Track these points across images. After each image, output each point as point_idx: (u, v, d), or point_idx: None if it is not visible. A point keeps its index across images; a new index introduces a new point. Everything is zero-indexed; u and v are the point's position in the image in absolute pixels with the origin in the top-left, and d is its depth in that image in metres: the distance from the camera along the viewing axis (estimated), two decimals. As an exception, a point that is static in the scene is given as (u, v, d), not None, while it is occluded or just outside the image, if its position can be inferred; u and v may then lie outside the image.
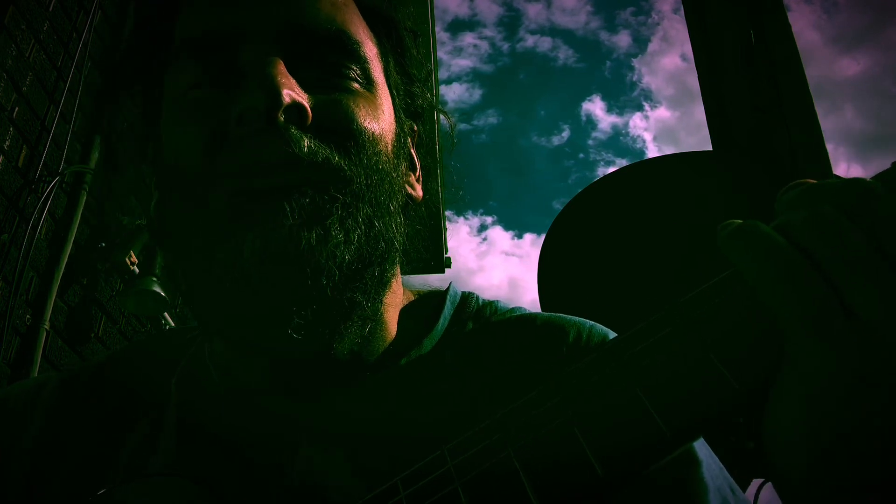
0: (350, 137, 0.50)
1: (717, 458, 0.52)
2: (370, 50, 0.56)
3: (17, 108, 2.11)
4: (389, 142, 0.54)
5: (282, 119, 0.47)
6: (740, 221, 0.33)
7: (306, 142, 0.48)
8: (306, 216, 0.46)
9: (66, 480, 0.54)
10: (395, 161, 0.55)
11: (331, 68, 0.52)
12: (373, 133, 0.52)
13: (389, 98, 0.57)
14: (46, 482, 0.55)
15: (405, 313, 0.61)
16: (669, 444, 0.31)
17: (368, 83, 0.54)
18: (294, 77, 0.49)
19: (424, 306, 0.62)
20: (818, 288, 0.30)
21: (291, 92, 0.47)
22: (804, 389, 0.30)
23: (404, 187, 0.58)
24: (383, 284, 0.53)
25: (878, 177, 0.33)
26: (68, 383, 0.62)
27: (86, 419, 0.58)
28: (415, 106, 0.63)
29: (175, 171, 0.50)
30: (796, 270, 0.31)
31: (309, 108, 0.48)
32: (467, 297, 0.63)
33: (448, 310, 0.61)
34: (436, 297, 0.63)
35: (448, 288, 0.63)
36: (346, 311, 0.49)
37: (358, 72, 0.54)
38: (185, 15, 0.54)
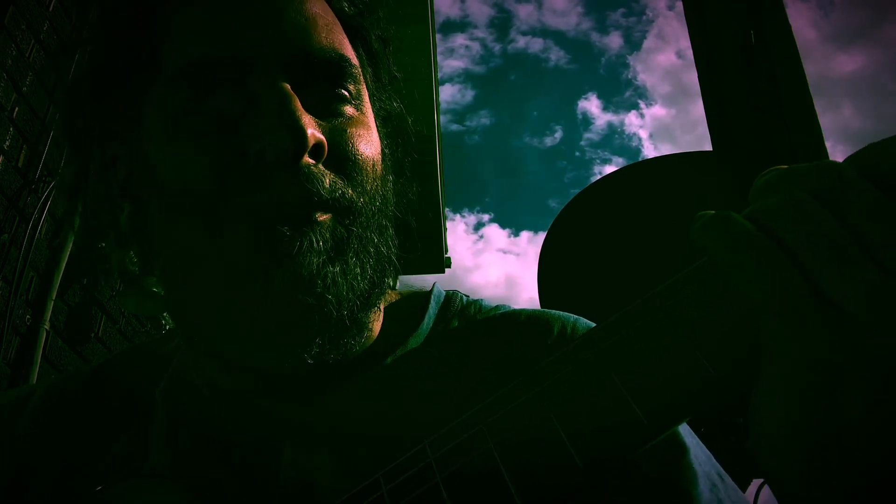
0: (356, 168, 0.52)
1: (703, 446, 0.53)
2: (359, 70, 0.57)
3: (17, 108, 2.11)
4: (380, 161, 0.56)
5: (306, 158, 0.48)
6: (713, 213, 0.33)
7: (327, 180, 0.49)
8: (331, 251, 0.48)
9: (55, 485, 0.54)
10: (386, 176, 0.57)
11: (331, 94, 0.53)
12: (371, 159, 0.54)
13: (372, 112, 0.58)
14: (35, 485, 0.55)
15: (389, 313, 0.61)
16: (647, 430, 0.31)
17: (360, 105, 0.55)
18: (302, 105, 0.49)
19: (409, 306, 0.63)
20: (788, 274, 0.30)
21: (315, 131, 0.48)
22: (782, 383, 0.30)
23: (393, 199, 0.59)
24: (382, 296, 0.56)
25: (850, 159, 0.32)
26: (53, 392, 0.62)
27: (70, 427, 0.58)
28: (385, 111, 0.65)
29: (175, 194, 0.50)
30: (765, 256, 0.30)
31: (326, 144, 0.49)
32: (451, 296, 0.63)
33: (433, 308, 0.61)
34: (420, 297, 0.63)
35: (432, 288, 0.64)
36: (354, 331, 0.52)
37: (353, 95, 0.54)
38: (180, 35, 0.53)
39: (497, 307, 0.63)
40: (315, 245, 0.47)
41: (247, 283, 0.47)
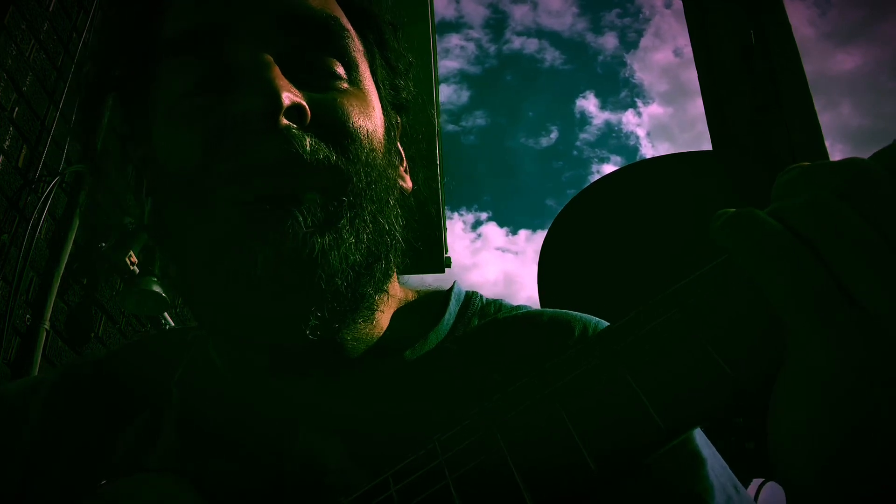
0: (346, 136, 0.51)
1: (720, 456, 0.52)
2: (357, 45, 0.56)
3: (17, 108, 2.11)
4: (381, 137, 0.55)
5: (282, 119, 0.47)
6: (734, 210, 0.32)
7: (308, 140, 0.48)
8: (319, 223, 0.47)
9: (61, 476, 0.54)
10: (388, 156, 0.56)
11: (322, 66, 0.52)
12: (366, 130, 0.52)
13: (377, 93, 0.57)
14: (42, 477, 0.55)
15: (408, 309, 0.61)
16: (662, 432, 0.30)
17: (357, 80, 0.54)
18: (287, 77, 0.49)
19: (429, 303, 0.62)
20: (817, 275, 0.29)
21: (290, 94, 0.47)
22: (806, 386, 0.29)
23: (398, 180, 0.59)
24: (388, 276, 0.55)
25: (877, 156, 0.31)
26: (66, 379, 0.62)
27: (83, 415, 0.58)
28: (399, 99, 0.64)
29: (171, 174, 0.50)
30: (794, 256, 0.30)
31: (308, 108, 0.48)
32: (471, 296, 0.63)
33: (453, 306, 0.61)
34: (440, 295, 0.63)
35: (452, 286, 0.64)
36: (355, 304, 0.50)
37: (347, 69, 0.54)
38: (170, 14, 0.53)
39: (518, 307, 0.62)
40: (301, 221, 0.46)
41: (232, 259, 0.46)
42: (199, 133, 0.49)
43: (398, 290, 0.61)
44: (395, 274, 0.59)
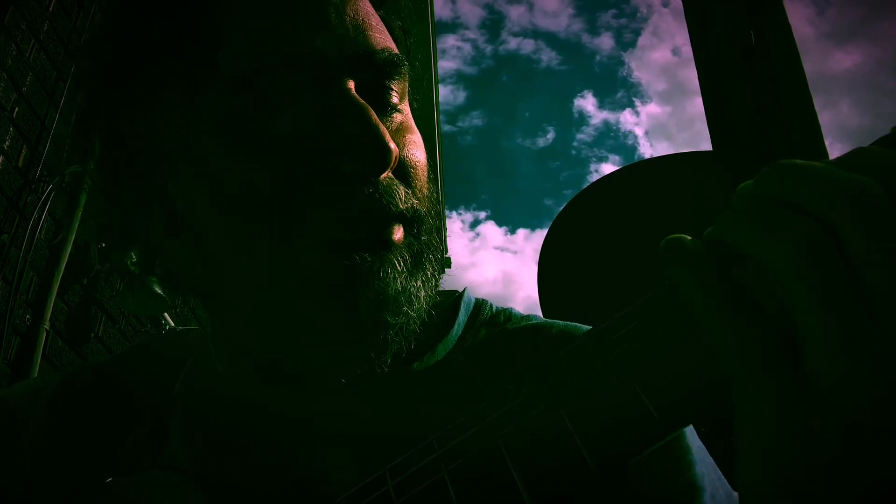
0: (416, 175, 0.51)
1: (724, 481, 0.51)
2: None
3: (17, 108, 2.11)
4: (427, 164, 0.55)
5: (388, 172, 0.47)
6: (683, 243, 0.30)
7: (402, 192, 0.48)
8: (411, 268, 0.48)
9: (64, 481, 0.54)
10: (431, 179, 0.55)
11: (383, 96, 0.52)
12: (424, 163, 0.53)
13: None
14: (45, 481, 0.55)
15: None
16: (659, 426, 0.30)
17: (405, 105, 0.54)
18: None
19: (437, 310, 0.61)
20: (768, 331, 0.27)
21: (393, 143, 0.47)
22: (753, 435, 0.28)
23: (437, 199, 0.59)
24: None
25: (839, 161, 0.27)
26: (70, 382, 0.62)
27: (86, 419, 0.58)
28: (414, 109, 0.63)
29: (244, 195, 0.47)
30: (738, 306, 0.28)
31: (397, 155, 0.48)
32: (481, 305, 0.63)
33: (462, 316, 0.60)
34: (448, 303, 0.62)
35: (462, 294, 0.63)
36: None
37: (401, 96, 0.53)
38: (237, 38, 0.48)
39: (528, 317, 0.62)
40: (398, 266, 0.47)
41: (326, 300, 0.46)
42: (284, 167, 0.47)
43: None
44: None
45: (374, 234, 0.47)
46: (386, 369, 0.49)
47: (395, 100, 0.52)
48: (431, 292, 0.50)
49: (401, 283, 0.47)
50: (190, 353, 0.61)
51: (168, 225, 0.53)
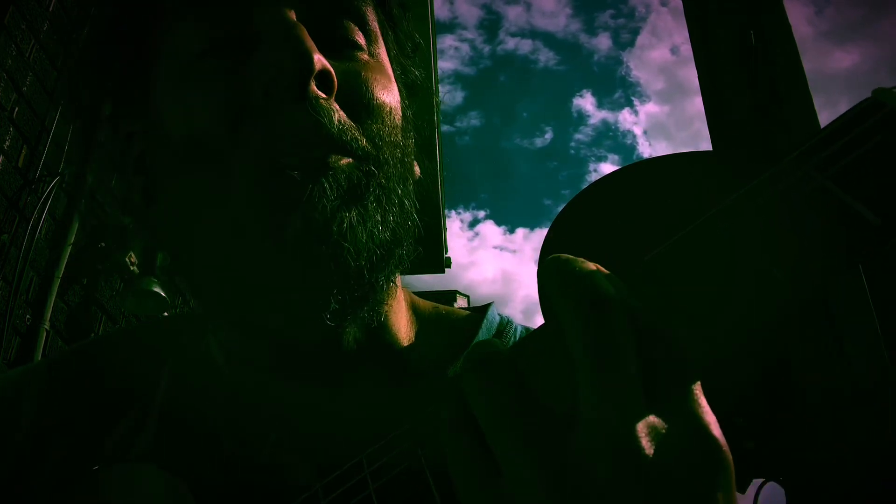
0: (371, 113, 0.49)
1: None
2: (375, 18, 0.54)
3: (17, 108, 2.11)
4: (401, 115, 0.53)
5: (313, 86, 0.45)
6: (566, 270, 0.35)
7: (336, 116, 0.46)
8: (346, 195, 0.45)
9: (55, 469, 0.54)
10: (407, 135, 0.53)
11: (342, 34, 0.50)
12: (389, 106, 0.50)
13: (393, 73, 0.55)
14: (37, 470, 0.55)
15: (432, 326, 0.58)
16: None
17: (376, 53, 0.52)
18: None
19: (459, 324, 0.59)
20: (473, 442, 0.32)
21: (321, 57, 0.45)
22: None
23: (414, 163, 0.56)
24: (402, 264, 0.51)
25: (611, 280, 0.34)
26: (57, 369, 0.61)
27: (74, 406, 0.57)
28: (408, 80, 0.61)
29: (181, 141, 0.47)
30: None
31: (335, 76, 0.46)
32: (505, 325, 0.60)
33: (484, 334, 0.57)
34: (471, 319, 0.59)
35: (487, 309, 0.60)
36: (366, 295, 0.47)
37: (367, 40, 0.52)
38: None
39: None
40: (328, 191, 0.44)
41: (255, 233, 0.44)
42: (218, 97, 0.46)
43: (400, 298, 0.58)
44: (398, 280, 0.56)
45: (306, 159, 0.44)
46: (332, 322, 0.45)
47: (357, 38, 0.50)
48: (383, 236, 0.46)
49: (331, 208, 0.43)
50: (176, 342, 0.60)
51: (145, 194, 0.53)
